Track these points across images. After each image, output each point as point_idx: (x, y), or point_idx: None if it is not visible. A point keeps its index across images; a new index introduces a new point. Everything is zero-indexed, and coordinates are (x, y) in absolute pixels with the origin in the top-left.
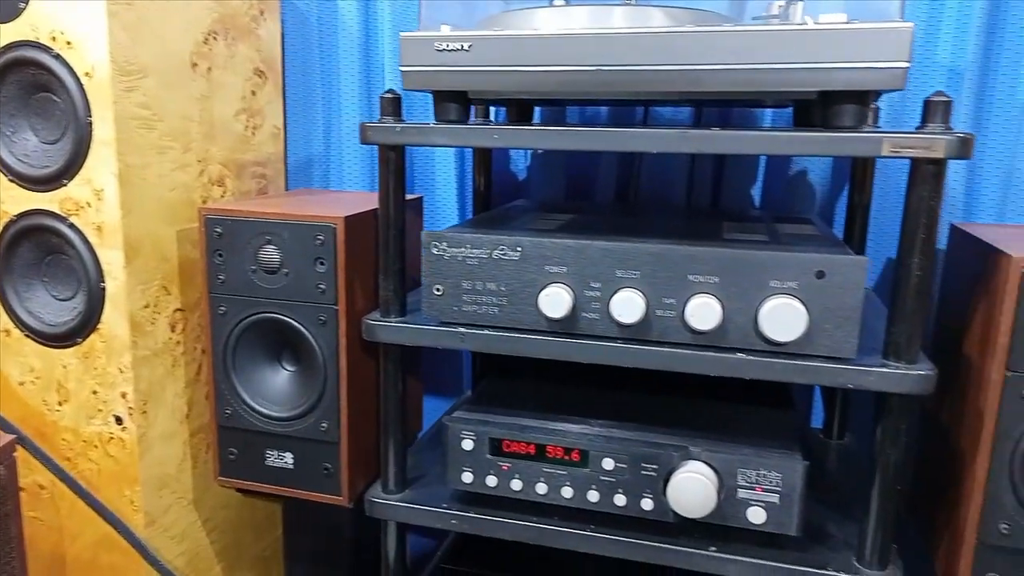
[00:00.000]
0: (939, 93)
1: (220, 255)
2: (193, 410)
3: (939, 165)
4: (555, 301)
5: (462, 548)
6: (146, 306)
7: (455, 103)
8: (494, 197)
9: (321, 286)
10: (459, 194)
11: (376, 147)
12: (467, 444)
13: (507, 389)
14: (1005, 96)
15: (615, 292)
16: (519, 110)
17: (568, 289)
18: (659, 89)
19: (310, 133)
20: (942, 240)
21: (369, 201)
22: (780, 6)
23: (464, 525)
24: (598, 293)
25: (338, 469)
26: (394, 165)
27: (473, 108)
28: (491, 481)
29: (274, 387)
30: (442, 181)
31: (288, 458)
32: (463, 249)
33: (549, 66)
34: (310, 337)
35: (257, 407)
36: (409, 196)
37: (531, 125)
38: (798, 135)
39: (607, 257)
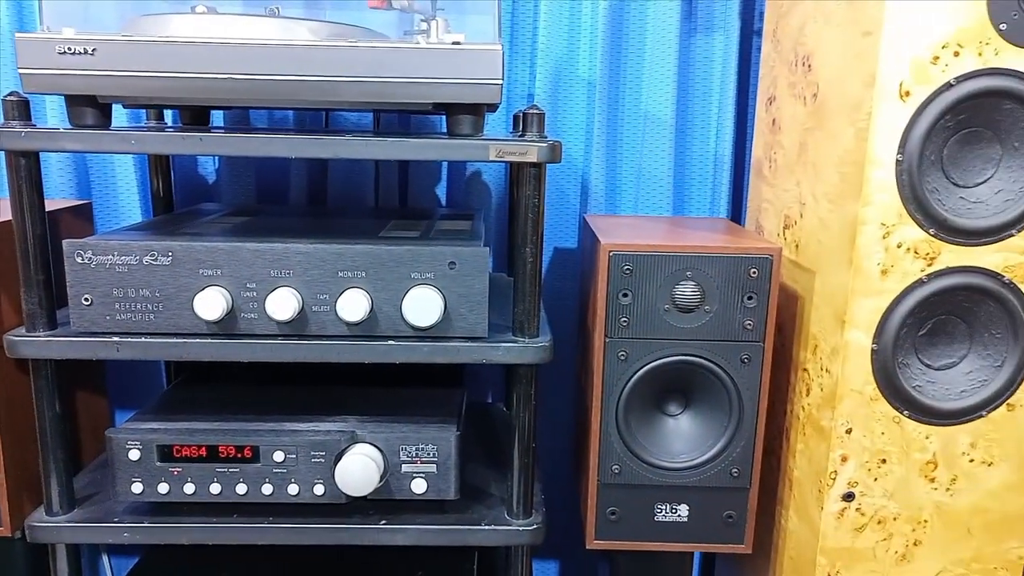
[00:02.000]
0: (533, 107)
1: None
2: None
3: (538, 168)
4: (210, 304)
5: (150, 564)
6: None
7: (90, 107)
8: (181, 200)
9: None
10: (142, 198)
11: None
12: (134, 454)
13: (186, 395)
14: (631, 105)
15: (271, 291)
16: (192, 113)
17: (224, 291)
18: (291, 98)
19: None
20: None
21: None
22: (423, 21)
23: (138, 536)
24: (254, 293)
25: None
26: (26, 172)
27: (145, 111)
28: (163, 488)
29: None
30: (123, 184)
31: None
32: (110, 257)
33: (175, 73)
34: None
35: None
36: (79, 201)
37: (167, 131)
38: (419, 142)
39: (260, 258)
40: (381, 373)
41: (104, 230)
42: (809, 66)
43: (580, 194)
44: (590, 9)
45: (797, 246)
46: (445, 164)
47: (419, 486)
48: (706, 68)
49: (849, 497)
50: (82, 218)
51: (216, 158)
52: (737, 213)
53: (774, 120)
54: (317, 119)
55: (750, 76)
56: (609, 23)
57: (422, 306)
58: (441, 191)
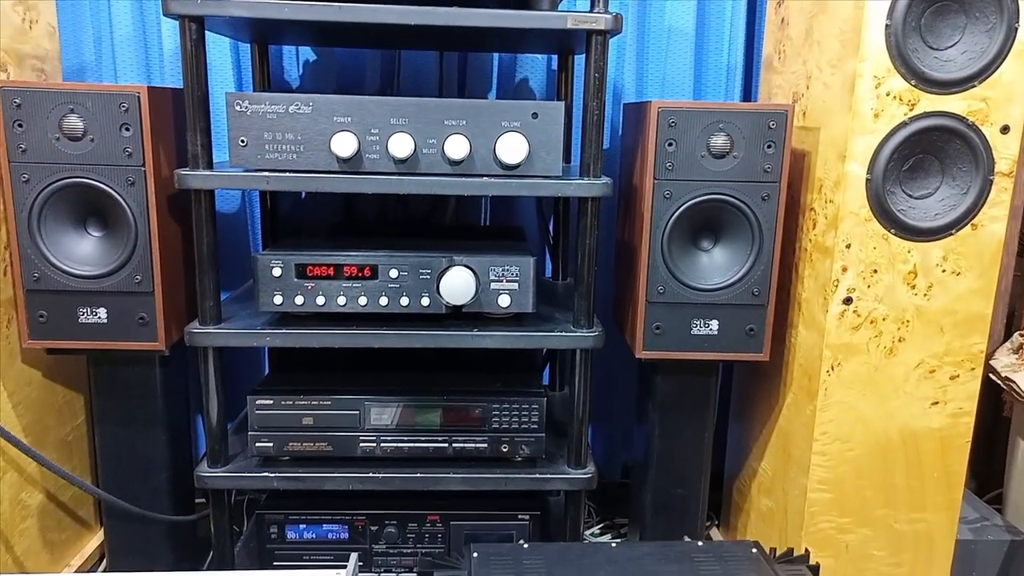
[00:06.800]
0: None
1: (20, 125)
2: None
3: (603, 36)
4: (344, 143)
5: (269, 383)
6: None
7: None
8: None
9: (128, 150)
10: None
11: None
12: (276, 271)
13: (302, 240)
14: (656, 21)
15: (390, 136)
16: None
17: (353, 135)
18: None
19: (80, 39)
20: (618, 112)
21: None
22: None
23: (278, 340)
24: (377, 137)
25: (154, 317)
26: (195, 35)
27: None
28: (299, 300)
29: (81, 250)
30: (217, 76)
31: (102, 313)
32: (262, 106)
33: None
34: (119, 197)
35: (66, 268)
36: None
37: (310, 2)
38: (514, 12)
39: (382, 108)
40: (459, 229)
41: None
42: None
43: (612, 101)
44: None
45: (804, 113)
46: (496, 71)
47: (504, 300)
48: None
49: (848, 301)
50: None
51: (301, 65)
52: None
53: (783, 19)
54: (390, 58)
55: None
56: None
57: (512, 147)
58: (492, 96)
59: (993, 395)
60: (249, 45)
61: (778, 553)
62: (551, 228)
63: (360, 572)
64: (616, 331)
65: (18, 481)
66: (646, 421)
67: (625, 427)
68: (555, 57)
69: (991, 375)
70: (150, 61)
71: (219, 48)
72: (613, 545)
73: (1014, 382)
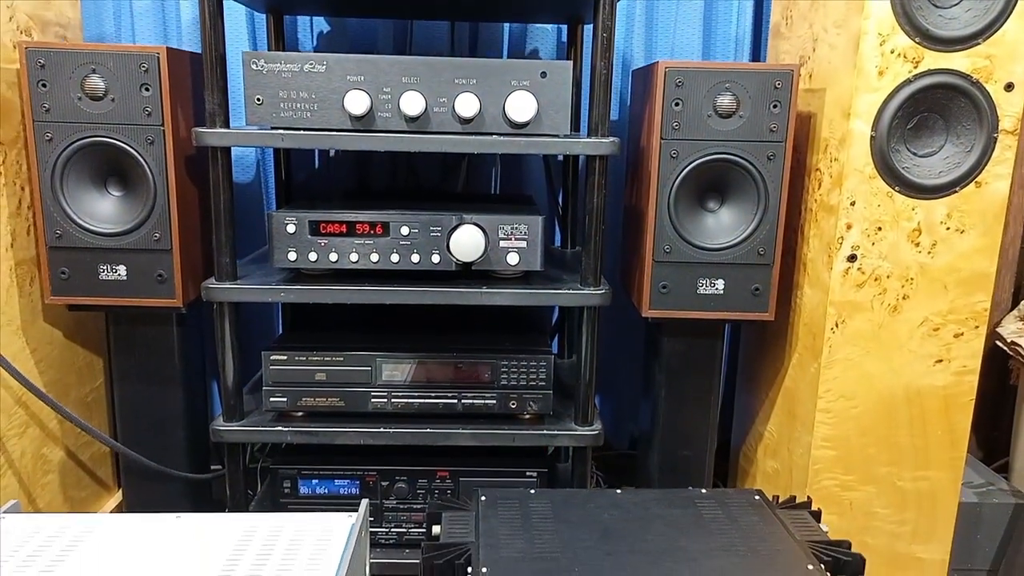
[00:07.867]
0: None
1: (44, 85)
2: (17, 242)
3: None
4: (357, 101)
5: (283, 341)
6: None
7: None
8: None
9: (148, 109)
10: None
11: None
12: (290, 228)
13: (316, 201)
14: None
15: (402, 94)
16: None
17: (365, 93)
18: None
19: (101, 8)
20: (627, 84)
21: None
22: None
23: (292, 296)
24: (389, 96)
25: (172, 275)
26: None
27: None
28: (312, 256)
29: (102, 209)
30: (232, 42)
31: (121, 270)
32: (278, 65)
33: None
34: (139, 156)
35: (88, 225)
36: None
37: None
38: None
39: (394, 67)
40: (467, 193)
41: None
42: None
43: (621, 71)
44: None
45: (811, 76)
46: (506, 42)
47: (513, 258)
48: None
49: (852, 258)
50: None
51: (316, 38)
52: None
53: None
54: (402, 29)
55: None
56: None
57: (521, 105)
58: None
59: (1000, 364)
60: (264, 15)
61: (780, 501)
62: (560, 198)
63: (371, 527)
64: (624, 298)
65: (40, 436)
66: (653, 384)
67: (632, 401)
68: (564, 28)
69: (998, 342)
70: (168, 31)
71: (235, 19)
72: (618, 491)
73: (1020, 346)
